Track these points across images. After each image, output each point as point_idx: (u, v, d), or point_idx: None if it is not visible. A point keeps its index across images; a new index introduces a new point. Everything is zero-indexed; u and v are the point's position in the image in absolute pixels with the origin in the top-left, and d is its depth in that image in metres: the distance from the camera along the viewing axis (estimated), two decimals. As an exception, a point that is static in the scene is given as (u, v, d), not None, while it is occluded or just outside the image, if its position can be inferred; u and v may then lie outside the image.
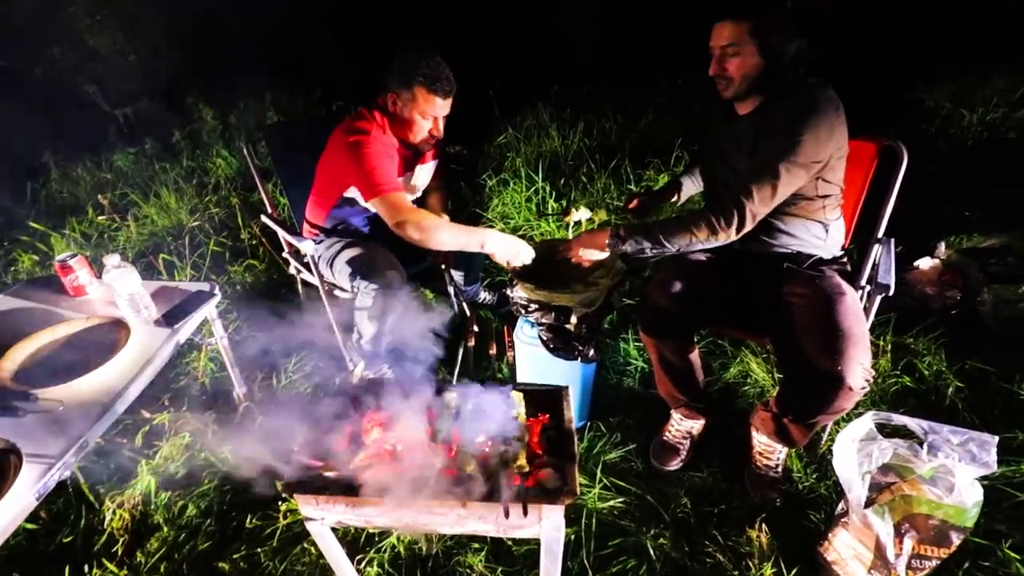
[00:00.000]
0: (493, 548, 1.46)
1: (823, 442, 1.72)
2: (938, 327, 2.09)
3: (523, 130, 3.89)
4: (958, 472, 1.20)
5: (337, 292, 1.96)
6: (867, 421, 1.31)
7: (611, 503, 1.58)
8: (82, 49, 4.97)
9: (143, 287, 1.51)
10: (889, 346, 2.02)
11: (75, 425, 1.15)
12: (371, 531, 1.49)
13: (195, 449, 1.78)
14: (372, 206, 1.65)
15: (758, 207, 1.34)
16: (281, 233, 2.00)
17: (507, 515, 0.96)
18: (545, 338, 1.65)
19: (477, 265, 2.29)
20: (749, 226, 1.36)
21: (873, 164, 1.62)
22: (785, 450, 1.60)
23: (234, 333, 2.33)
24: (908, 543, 1.20)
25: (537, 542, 1.09)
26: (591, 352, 1.63)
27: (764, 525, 1.48)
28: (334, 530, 1.16)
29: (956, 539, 1.19)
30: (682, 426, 1.73)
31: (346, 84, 4.82)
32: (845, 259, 1.58)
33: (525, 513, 0.96)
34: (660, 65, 4.38)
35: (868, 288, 1.55)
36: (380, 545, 1.47)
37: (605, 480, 1.64)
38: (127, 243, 3.18)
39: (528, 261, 1.63)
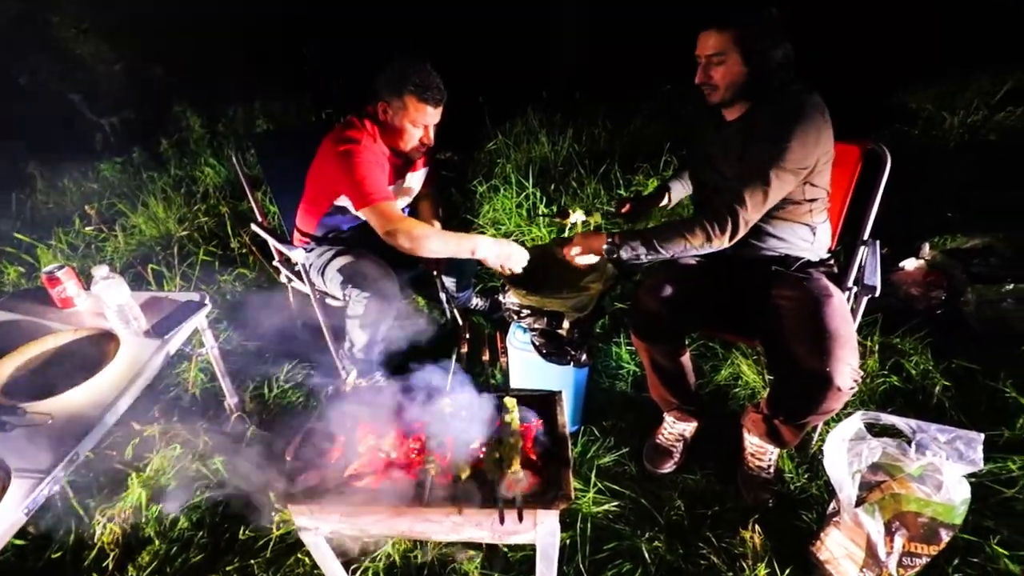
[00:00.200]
0: (488, 554, 1.46)
1: (814, 442, 1.74)
2: (923, 327, 2.12)
3: (513, 136, 3.91)
4: (946, 470, 1.22)
5: (329, 300, 1.96)
6: (856, 421, 1.33)
7: (605, 507, 1.59)
8: (67, 58, 4.93)
9: (132, 298, 1.50)
10: (876, 346, 2.04)
11: (65, 439, 1.14)
12: (366, 540, 1.49)
13: (186, 461, 1.76)
14: (363, 215, 1.66)
15: (751, 214, 1.36)
16: (272, 242, 1.99)
17: (502, 521, 0.97)
18: (538, 343, 1.66)
19: (469, 271, 2.30)
20: (742, 232, 1.39)
21: (858, 167, 1.65)
22: (777, 451, 1.62)
23: (225, 343, 2.32)
24: (899, 541, 1.22)
25: (533, 548, 1.09)
26: (583, 357, 1.64)
27: (757, 526, 1.49)
28: (328, 540, 1.16)
29: (945, 536, 1.21)
30: (675, 429, 1.74)
31: (336, 91, 4.82)
32: (832, 261, 1.60)
33: (520, 519, 0.97)
34: (648, 71, 4.42)
35: (855, 289, 1.57)
36: (375, 554, 1.46)
37: (599, 484, 1.64)
38: (115, 253, 3.15)
39: (523, 264, 1.63)
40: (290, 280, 2.13)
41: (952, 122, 3.66)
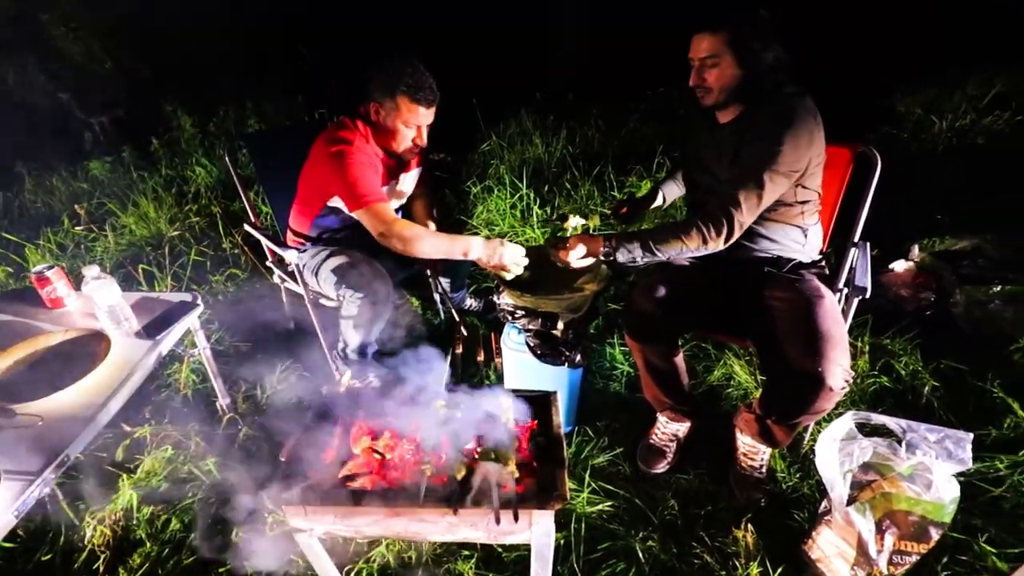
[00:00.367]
0: (483, 555, 1.46)
1: (805, 442, 1.75)
2: (913, 328, 2.15)
3: (507, 137, 3.91)
4: (936, 469, 1.23)
5: (322, 301, 1.95)
6: (847, 421, 1.34)
7: (599, 507, 1.59)
8: (56, 56, 4.87)
9: (123, 298, 1.48)
10: (867, 347, 2.07)
11: (55, 440, 1.12)
12: (360, 541, 1.48)
13: (178, 462, 1.75)
14: (356, 216, 1.65)
15: (746, 216, 1.37)
16: (265, 242, 1.98)
17: (498, 521, 0.97)
18: (532, 344, 1.66)
19: (463, 272, 2.30)
20: (737, 234, 1.40)
21: (848, 169, 1.67)
22: (769, 451, 1.63)
23: (217, 343, 2.30)
24: (889, 539, 1.23)
25: (527, 548, 1.09)
26: (578, 357, 1.64)
27: (750, 525, 1.50)
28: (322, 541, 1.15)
29: (935, 534, 1.22)
30: (668, 429, 1.75)
31: (329, 91, 4.80)
32: (823, 263, 1.62)
33: (516, 519, 0.97)
34: (642, 73, 4.44)
35: (846, 291, 1.59)
36: (369, 555, 1.46)
37: (593, 484, 1.65)
38: (104, 254, 3.12)
39: (520, 262, 1.61)
40: (283, 280, 2.12)
41: (940, 126, 3.70)
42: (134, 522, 1.57)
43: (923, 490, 1.23)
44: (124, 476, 1.66)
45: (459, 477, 1.04)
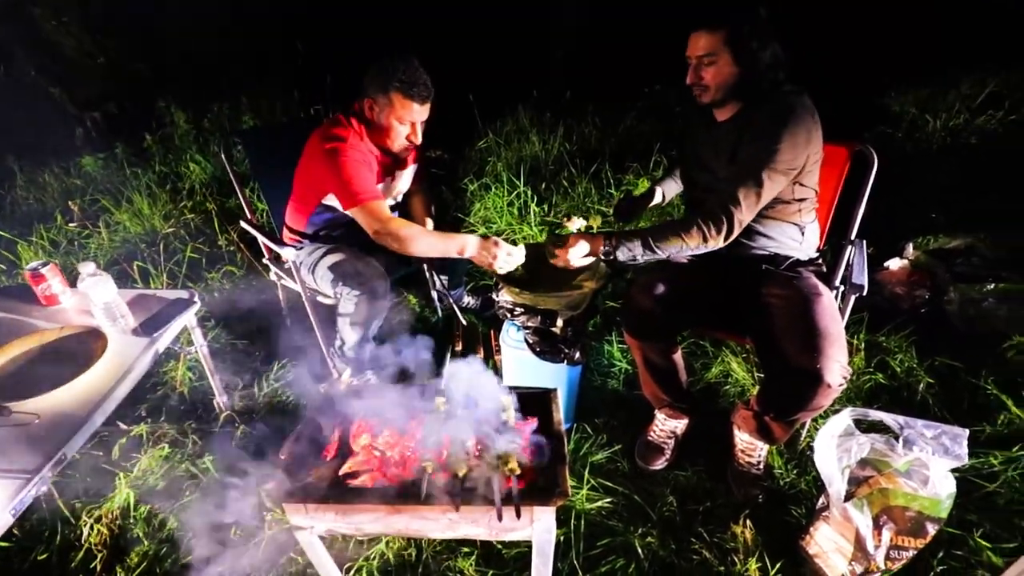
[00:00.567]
0: (483, 552, 1.46)
1: (803, 439, 1.76)
2: (908, 325, 2.16)
3: (504, 135, 3.91)
4: (932, 465, 1.24)
5: (320, 298, 1.94)
6: (845, 417, 1.35)
7: (599, 504, 1.59)
8: (48, 51, 4.82)
9: (119, 295, 1.47)
10: (863, 344, 2.08)
11: (51, 439, 1.12)
12: (360, 538, 1.48)
13: (175, 460, 1.74)
14: (351, 215, 1.65)
15: (745, 214, 1.38)
16: (261, 239, 1.97)
17: (500, 518, 0.97)
18: (531, 341, 1.66)
19: (461, 270, 2.30)
20: (737, 232, 1.40)
21: (845, 168, 1.68)
22: (766, 447, 1.64)
23: (213, 341, 2.29)
24: (886, 535, 1.24)
25: (527, 544, 1.09)
26: (577, 354, 1.65)
27: (748, 521, 1.51)
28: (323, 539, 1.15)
29: (931, 530, 1.23)
30: (666, 426, 1.75)
31: (324, 87, 4.77)
32: (820, 260, 1.63)
33: (518, 515, 0.97)
34: (639, 71, 4.44)
35: (843, 288, 1.60)
36: (369, 552, 1.45)
37: (592, 481, 1.65)
38: (98, 250, 3.09)
39: (518, 260, 1.60)
40: (280, 278, 2.11)
41: (935, 125, 3.73)
42: (131, 521, 1.56)
43: (920, 486, 1.24)
44: (121, 474, 1.65)
45: (460, 474, 1.04)
